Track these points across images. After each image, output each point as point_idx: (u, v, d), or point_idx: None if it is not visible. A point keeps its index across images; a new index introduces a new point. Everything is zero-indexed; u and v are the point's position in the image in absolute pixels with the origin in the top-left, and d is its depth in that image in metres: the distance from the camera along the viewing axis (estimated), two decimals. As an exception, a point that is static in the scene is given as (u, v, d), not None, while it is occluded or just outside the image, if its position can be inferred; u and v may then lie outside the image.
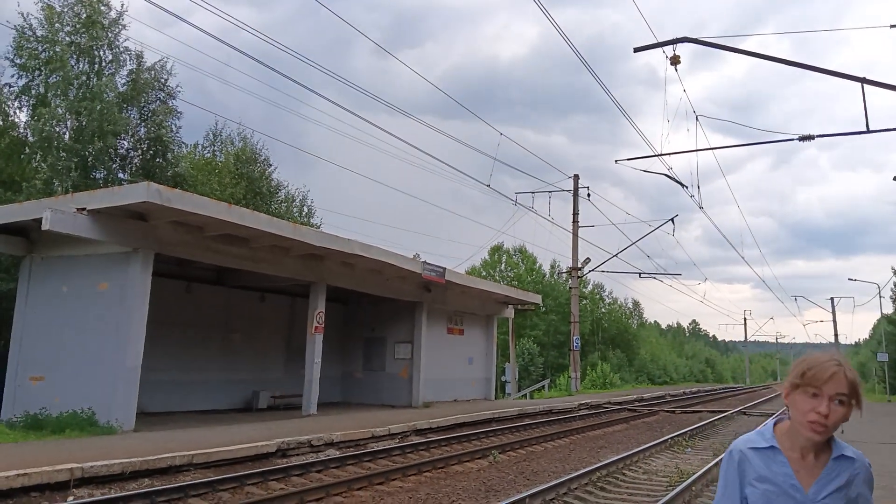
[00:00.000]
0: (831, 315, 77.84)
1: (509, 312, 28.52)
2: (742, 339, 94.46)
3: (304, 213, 31.06)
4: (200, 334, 18.49)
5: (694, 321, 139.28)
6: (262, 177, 27.83)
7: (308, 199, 31.56)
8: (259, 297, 20.52)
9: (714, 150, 18.68)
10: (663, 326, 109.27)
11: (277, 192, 28.95)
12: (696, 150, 18.87)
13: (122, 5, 19.49)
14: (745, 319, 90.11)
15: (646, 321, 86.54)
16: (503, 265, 59.83)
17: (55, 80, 17.98)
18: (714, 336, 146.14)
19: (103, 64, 19.14)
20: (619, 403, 25.85)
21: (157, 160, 20.48)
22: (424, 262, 19.52)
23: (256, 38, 13.93)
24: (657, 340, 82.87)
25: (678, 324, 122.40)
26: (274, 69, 16.37)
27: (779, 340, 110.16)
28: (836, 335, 79.83)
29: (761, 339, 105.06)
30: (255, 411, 18.50)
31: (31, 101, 18.14)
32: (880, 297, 55.44)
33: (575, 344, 33.49)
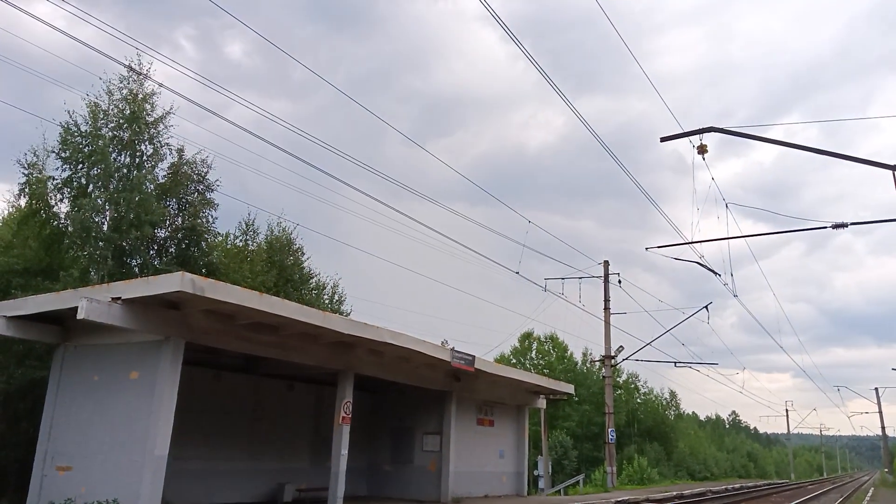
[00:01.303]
0: (877, 406, 74.83)
1: (541, 403, 27.88)
2: (784, 431, 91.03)
3: (334, 301, 31.17)
4: (227, 423, 18.32)
5: (734, 412, 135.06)
6: (295, 265, 28.14)
7: (339, 286, 31.76)
8: (287, 386, 20.38)
9: (746, 238, 18.50)
10: (702, 418, 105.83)
11: (309, 280, 29.18)
12: (728, 238, 18.77)
13: (171, 106, 20.42)
14: (786, 411, 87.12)
15: (683, 412, 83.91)
16: (533, 353, 59.07)
17: (96, 172, 18.66)
18: (755, 428, 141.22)
19: (144, 157, 19.87)
20: (659, 501, 24.74)
21: (192, 249, 20.87)
22: (453, 350, 19.30)
23: (291, 130, 14.41)
24: (696, 433, 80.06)
25: (717, 415, 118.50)
26: (306, 161, 16.83)
27: (823, 433, 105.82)
28: (882, 427, 76.37)
29: (804, 431, 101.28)
30: (280, 504, 18.05)
31: (72, 193, 18.78)
32: (928, 387, 53.20)
33: (610, 436, 32.44)
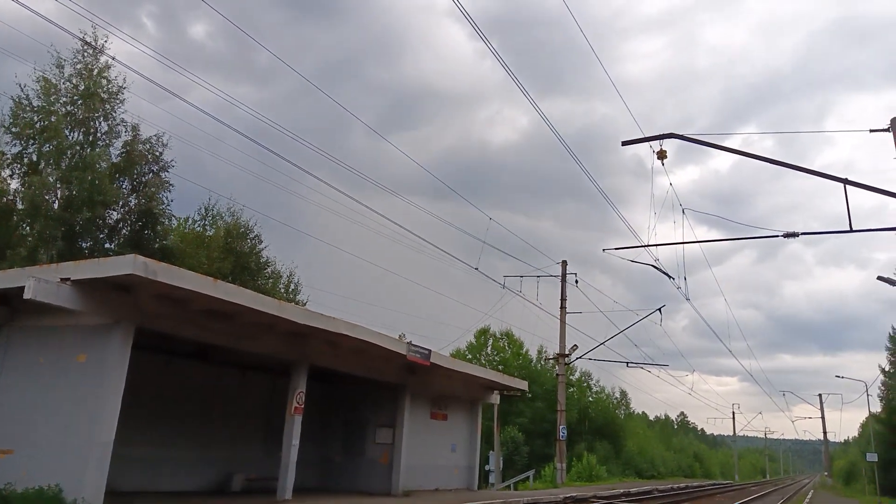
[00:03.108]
0: (820, 412, 77.21)
1: (495, 398, 28.04)
2: (731, 433, 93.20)
3: (290, 290, 30.91)
4: (177, 410, 18.01)
5: (682, 413, 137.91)
6: (251, 252, 27.82)
7: (295, 275, 31.51)
8: (239, 375, 20.12)
9: (701, 244, 18.87)
10: (651, 418, 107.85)
11: (265, 268, 28.88)
12: (683, 243, 19.12)
13: (124, 80, 19.90)
14: (733, 413, 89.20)
15: (633, 411, 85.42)
16: (489, 349, 59.42)
17: (48, 149, 18.15)
18: (702, 429, 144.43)
19: (98, 135, 19.38)
20: (606, 498, 25.13)
21: (146, 232, 20.47)
22: (410, 344, 19.29)
23: (254, 116, 14.20)
24: (645, 432, 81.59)
25: (666, 416, 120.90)
26: (268, 148, 16.67)
27: (768, 436, 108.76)
28: (824, 432, 78.84)
29: (750, 434, 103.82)
30: (228, 494, 17.80)
31: (22, 169, 18.24)
32: (868, 395, 55.19)
33: (561, 433, 32.84)
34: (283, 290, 29.76)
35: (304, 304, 30.41)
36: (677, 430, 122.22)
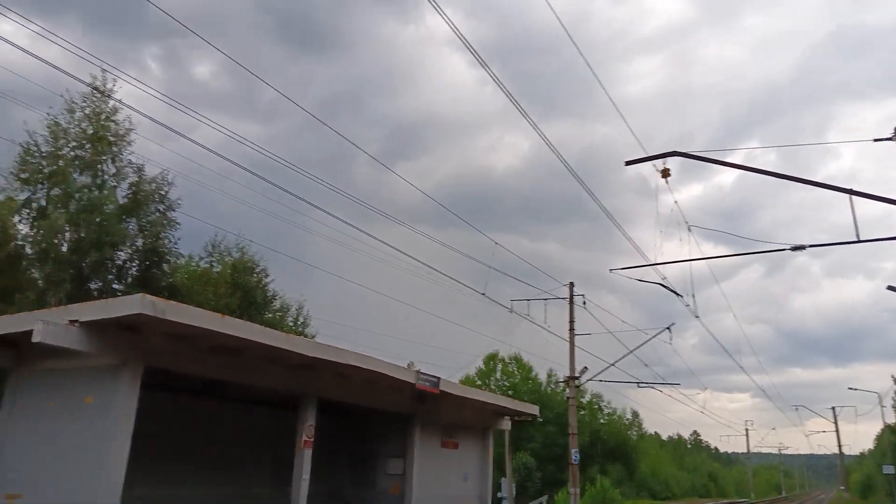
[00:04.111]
0: (834, 425, 76.40)
1: (506, 424, 27.88)
2: (744, 450, 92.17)
3: (299, 323, 30.95)
4: (185, 448, 17.97)
5: (695, 432, 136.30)
6: (258, 286, 27.92)
7: (304, 308, 31.57)
8: (246, 410, 20.09)
9: (708, 260, 18.91)
10: (663, 438, 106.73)
11: (272, 302, 28.97)
12: (690, 260, 19.12)
13: (131, 122, 20.24)
14: (746, 430, 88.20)
15: (645, 432, 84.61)
16: (498, 374, 59.11)
17: (57, 192, 18.41)
18: (716, 448, 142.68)
19: (106, 177, 19.65)
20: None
21: (154, 271, 20.64)
22: (419, 372, 19.25)
23: (258, 151, 14.40)
24: (657, 453, 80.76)
25: (679, 435, 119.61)
26: (273, 183, 16.84)
27: (782, 452, 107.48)
28: (839, 446, 77.95)
29: (764, 450, 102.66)
30: (240, 531, 17.70)
31: (31, 215, 18.47)
32: (882, 406, 54.64)
33: (574, 457, 32.55)
34: (291, 323, 29.83)
35: (314, 336, 30.45)
36: (690, 450, 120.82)
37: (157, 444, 16.91)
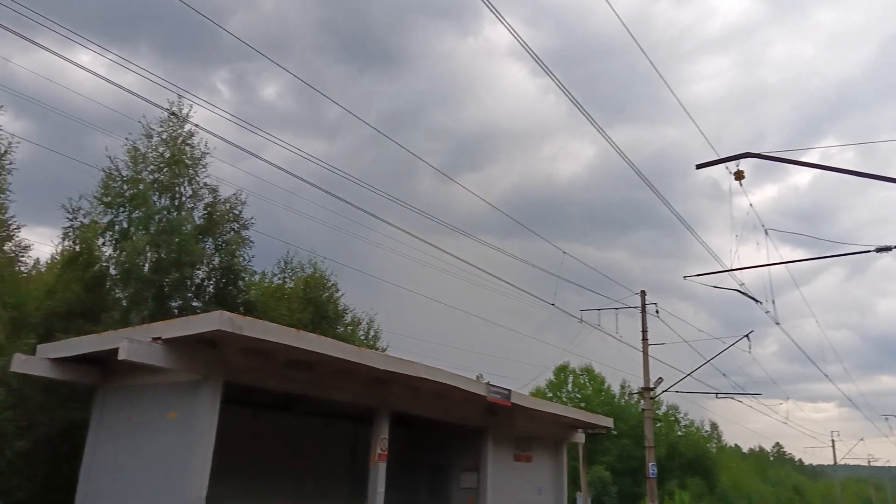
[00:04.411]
0: (930, 437, 72.01)
1: (579, 437, 27.39)
2: (831, 462, 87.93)
3: (370, 337, 31.25)
4: (265, 462, 18.31)
5: (777, 444, 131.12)
6: (329, 301, 28.35)
7: (374, 322, 31.87)
8: (323, 424, 20.34)
9: (787, 264, 18.18)
10: (744, 450, 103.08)
11: (343, 316, 29.37)
12: (769, 265, 18.40)
13: (206, 145, 20.96)
14: (832, 441, 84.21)
15: (725, 444, 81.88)
16: (569, 386, 58.31)
17: (138, 215, 19.15)
18: (800, 460, 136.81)
19: (183, 199, 20.36)
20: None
21: (230, 288, 21.21)
22: (489, 384, 19.12)
23: (325, 168, 14.65)
24: (739, 466, 77.97)
25: (760, 447, 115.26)
26: (340, 197, 17.07)
27: (871, 463, 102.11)
28: (937, 459, 73.24)
29: (852, 462, 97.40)
30: (318, 544, 17.88)
31: (114, 237, 19.27)
32: (983, 416, 51.25)
33: (651, 471, 31.69)
34: (363, 337, 30.16)
35: (385, 350, 30.70)
36: (773, 462, 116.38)
37: (238, 458, 17.28)
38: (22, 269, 20.22)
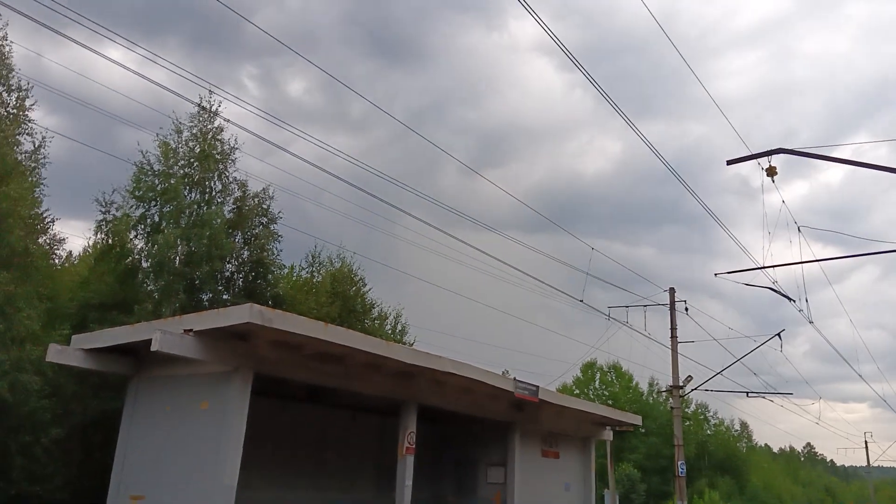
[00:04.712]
0: (967, 439, 70.35)
1: (607, 434, 27.22)
2: (864, 463, 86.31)
3: (397, 331, 31.33)
4: (294, 453, 18.47)
5: (808, 444, 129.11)
6: (357, 295, 28.49)
7: (402, 316, 31.94)
8: (350, 416, 20.46)
9: (819, 262, 17.85)
10: (774, 450, 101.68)
11: (371, 310, 29.49)
12: (802, 262, 18.07)
13: (235, 140, 21.17)
14: (865, 443, 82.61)
15: (755, 444, 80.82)
16: (597, 383, 57.95)
17: (169, 209, 19.42)
18: (832, 461, 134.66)
19: (213, 193, 20.59)
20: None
21: (259, 282, 21.42)
22: (516, 380, 19.07)
23: (351, 163, 14.70)
24: (770, 466, 76.91)
25: (791, 447, 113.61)
26: (366, 191, 17.16)
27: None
28: (975, 462, 71.65)
29: (886, 463, 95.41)
30: (345, 536, 18.00)
31: (146, 230, 19.56)
32: None
33: (680, 469, 31.37)
34: (389, 331, 30.25)
35: (412, 344, 30.78)
36: (804, 463, 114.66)
37: (268, 449, 17.47)
38: (56, 261, 20.60)
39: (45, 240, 18.64)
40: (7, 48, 17.49)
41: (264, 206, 22.05)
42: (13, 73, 17.54)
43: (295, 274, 28.14)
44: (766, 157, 15.05)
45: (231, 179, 21.19)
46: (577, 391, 54.79)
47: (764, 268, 18.79)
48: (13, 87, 17.57)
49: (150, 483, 13.57)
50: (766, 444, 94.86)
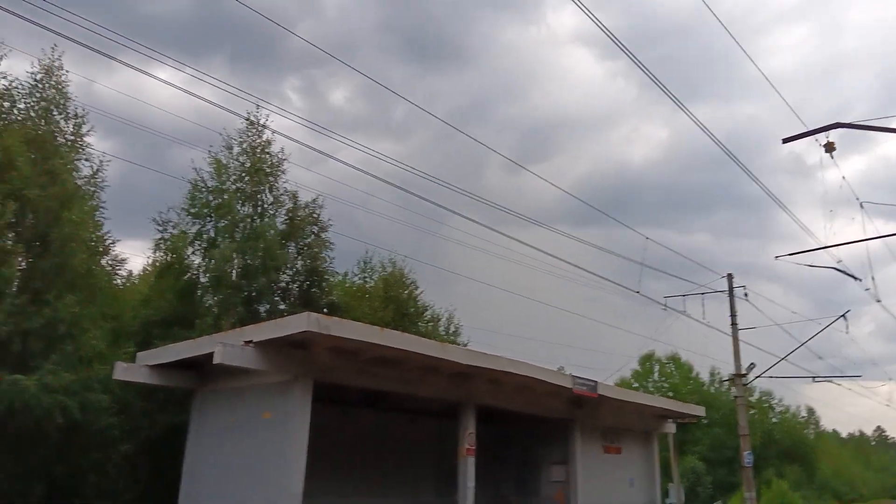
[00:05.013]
0: None
1: (670, 427, 26.77)
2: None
3: (450, 332, 31.35)
4: (356, 459, 18.64)
5: (879, 427, 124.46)
6: (410, 298, 28.64)
7: (454, 317, 31.95)
8: (408, 420, 20.54)
9: (886, 238, 17.22)
10: (843, 435, 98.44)
11: (424, 313, 29.59)
12: (867, 239, 17.45)
13: (283, 152, 21.54)
14: (942, 425, 79.35)
15: (823, 430, 78.35)
16: (656, 375, 56.91)
17: (223, 224, 19.85)
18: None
19: (265, 206, 20.99)
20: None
21: (313, 290, 21.73)
22: (574, 376, 18.89)
23: (396, 166, 14.83)
24: (839, 452, 74.48)
25: (861, 432, 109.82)
26: (414, 193, 17.22)
27: None
28: None
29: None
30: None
31: (202, 245, 20.04)
32: None
33: (747, 460, 30.62)
34: (444, 333, 30.30)
35: (466, 344, 30.76)
36: (875, 447, 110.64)
37: (328, 455, 17.65)
38: (118, 281, 21.24)
39: (107, 261, 19.22)
40: (63, 77, 18.11)
41: (315, 216, 22.35)
42: (70, 101, 18.15)
43: (348, 281, 28.45)
44: (823, 133, 14.58)
45: (282, 191, 21.57)
46: (636, 384, 53.90)
47: (827, 247, 18.24)
48: (70, 115, 18.18)
49: (217, 494, 13.86)
50: (834, 430, 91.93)
